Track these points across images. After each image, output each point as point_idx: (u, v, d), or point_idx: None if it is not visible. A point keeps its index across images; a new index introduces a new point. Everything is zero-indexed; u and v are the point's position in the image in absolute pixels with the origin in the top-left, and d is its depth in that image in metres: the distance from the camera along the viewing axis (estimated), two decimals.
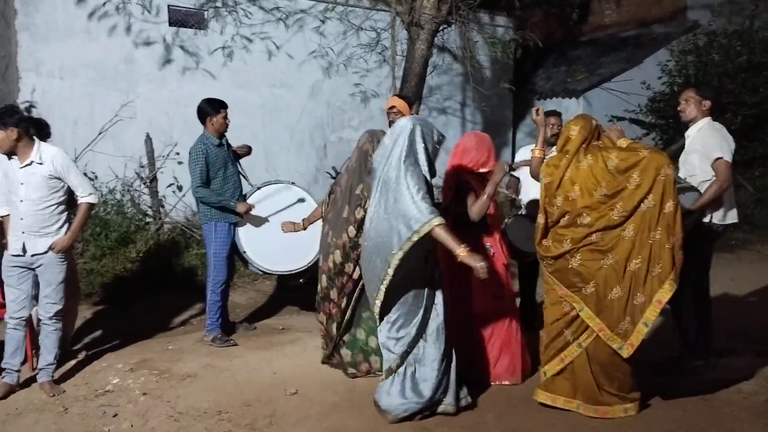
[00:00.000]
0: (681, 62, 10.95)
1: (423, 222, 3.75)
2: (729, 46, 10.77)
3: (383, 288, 3.93)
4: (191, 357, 5.26)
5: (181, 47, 8.94)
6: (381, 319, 4.08)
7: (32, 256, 4.50)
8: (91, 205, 4.72)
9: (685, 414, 4.18)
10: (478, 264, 3.76)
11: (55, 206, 4.54)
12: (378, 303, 4.00)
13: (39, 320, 4.67)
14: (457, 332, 4.33)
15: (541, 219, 4.16)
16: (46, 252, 4.51)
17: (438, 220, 3.75)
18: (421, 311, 4.01)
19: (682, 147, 4.99)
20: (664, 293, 3.90)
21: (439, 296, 4.08)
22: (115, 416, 4.21)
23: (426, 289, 4.02)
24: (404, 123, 4.00)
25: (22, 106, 7.99)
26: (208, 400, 4.44)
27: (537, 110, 4.78)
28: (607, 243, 3.97)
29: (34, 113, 8.07)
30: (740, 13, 11.70)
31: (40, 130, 4.82)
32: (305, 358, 5.20)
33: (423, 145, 3.93)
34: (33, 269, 4.55)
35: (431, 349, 4.03)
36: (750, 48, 10.70)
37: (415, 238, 3.77)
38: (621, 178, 3.96)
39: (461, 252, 3.77)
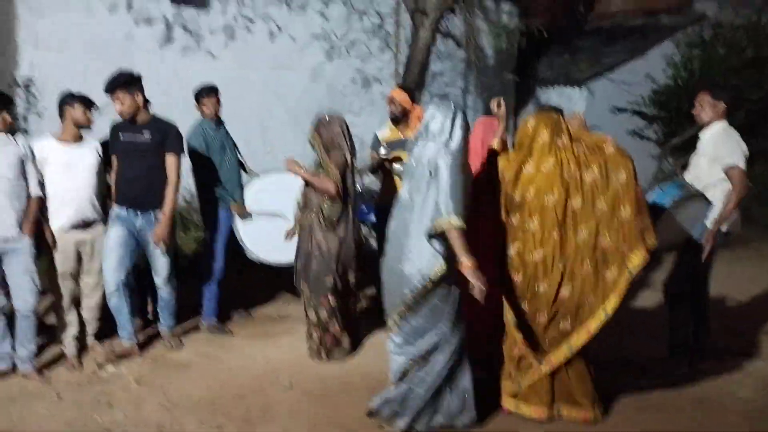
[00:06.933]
0: (686, 55, 10.84)
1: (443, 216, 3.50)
2: (735, 40, 10.66)
3: None
4: (186, 344, 5.25)
5: (183, 26, 8.81)
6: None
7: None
8: None
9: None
10: (479, 283, 3.53)
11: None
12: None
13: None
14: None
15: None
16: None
17: (458, 221, 3.51)
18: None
19: (686, 140, 4.93)
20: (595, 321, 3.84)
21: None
22: (108, 404, 4.20)
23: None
24: (451, 108, 3.73)
25: (20, 81, 7.94)
26: (202, 390, 4.44)
27: (498, 102, 4.47)
28: None
29: (33, 89, 8.00)
30: (748, 6, 11.56)
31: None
32: (300, 348, 5.17)
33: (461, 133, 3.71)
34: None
35: None
36: (756, 42, 10.59)
37: (431, 231, 3.56)
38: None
39: (467, 263, 3.52)
